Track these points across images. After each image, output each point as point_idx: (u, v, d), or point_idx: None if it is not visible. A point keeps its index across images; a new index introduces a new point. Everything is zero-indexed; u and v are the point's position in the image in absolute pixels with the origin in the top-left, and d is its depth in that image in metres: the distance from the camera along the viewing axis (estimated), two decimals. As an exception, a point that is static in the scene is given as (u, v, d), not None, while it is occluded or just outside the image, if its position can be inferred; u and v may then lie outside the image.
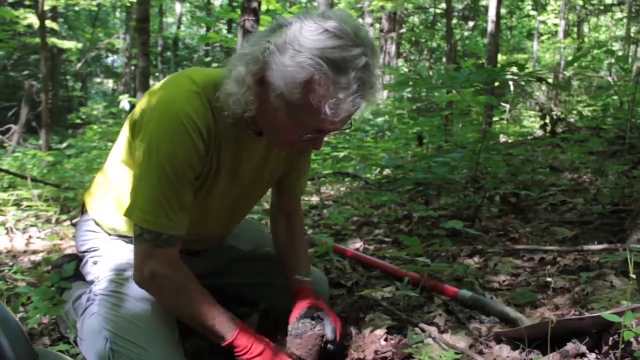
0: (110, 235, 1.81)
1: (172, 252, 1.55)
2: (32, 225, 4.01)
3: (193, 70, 1.59)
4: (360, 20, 13.98)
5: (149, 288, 1.57)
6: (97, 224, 1.83)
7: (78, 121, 16.37)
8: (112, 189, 1.76)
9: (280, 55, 1.36)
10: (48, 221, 4.20)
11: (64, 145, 11.39)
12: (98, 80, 29.61)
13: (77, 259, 1.94)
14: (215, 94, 1.50)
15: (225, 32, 21.12)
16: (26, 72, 20.21)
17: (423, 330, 1.80)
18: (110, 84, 29.35)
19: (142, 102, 1.59)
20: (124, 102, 11.79)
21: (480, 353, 1.63)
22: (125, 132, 1.69)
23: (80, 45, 17.30)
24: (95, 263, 1.81)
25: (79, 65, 22.10)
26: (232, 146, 1.61)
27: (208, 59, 24.75)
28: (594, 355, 1.52)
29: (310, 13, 1.42)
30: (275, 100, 1.41)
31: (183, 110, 1.47)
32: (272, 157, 1.75)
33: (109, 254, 1.78)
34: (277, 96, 1.40)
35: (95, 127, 12.31)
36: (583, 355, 1.52)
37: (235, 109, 1.46)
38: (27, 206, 4.36)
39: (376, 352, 1.65)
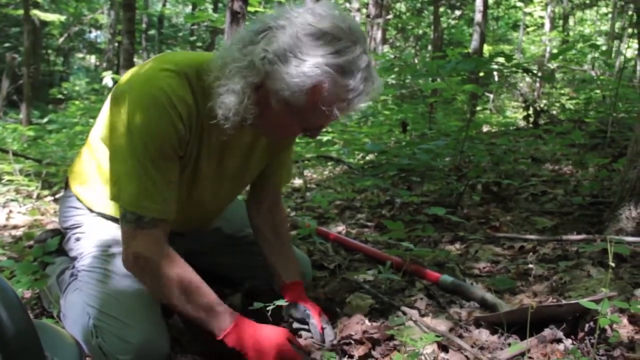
0: (92, 212, 1.80)
1: (156, 233, 1.52)
2: (12, 200, 3.98)
3: (176, 52, 1.59)
4: (347, 5, 13.93)
5: (132, 270, 1.55)
6: (79, 200, 1.82)
7: (59, 96, 16.14)
8: (94, 166, 1.75)
9: (282, 64, 1.34)
10: (29, 196, 4.16)
11: (45, 120, 11.24)
12: (80, 55, 29.22)
13: (61, 234, 1.93)
14: (198, 78, 1.49)
15: (210, 11, 20.89)
16: (7, 45, 19.87)
17: (404, 313, 1.83)
18: (92, 59, 28.98)
19: (124, 79, 1.57)
20: (107, 78, 11.63)
21: (460, 336, 1.66)
22: (106, 109, 1.67)
23: (63, 18, 17.01)
24: (78, 239, 1.80)
25: (61, 39, 21.78)
26: (218, 133, 1.58)
27: (193, 38, 24.52)
28: (569, 341, 1.56)
29: (296, 11, 1.39)
30: (277, 104, 1.41)
31: (160, 88, 1.45)
32: (258, 145, 1.75)
33: (92, 230, 1.76)
34: (278, 101, 1.40)
35: (77, 102, 12.15)
36: (559, 340, 1.56)
37: (235, 120, 1.45)
38: (8, 180, 4.32)
39: (360, 333, 1.68)
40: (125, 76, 1.58)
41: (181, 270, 1.53)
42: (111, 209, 1.74)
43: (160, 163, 1.48)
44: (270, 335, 1.51)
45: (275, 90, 1.38)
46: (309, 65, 1.32)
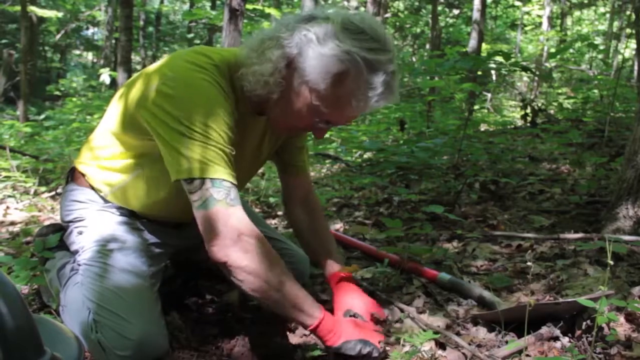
0: (106, 202, 1.78)
1: (243, 210, 1.45)
2: (9, 196, 3.97)
3: (202, 47, 1.58)
4: (345, 3, 13.91)
5: (235, 251, 1.40)
6: (92, 187, 1.79)
7: (57, 93, 16.08)
8: (103, 158, 1.74)
9: (318, 44, 1.41)
10: (26, 192, 4.15)
11: (42, 116, 11.21)
12: (77, 52, 29.17)
13: (62, 230, 1.93)
14: (229, 73, 1.52)
15: (208, 8, 20.87)
16: (4, 41, 19.82)
17: (402, 310, 1.83)
18: (89, 56, 28.92)
19: (144, 80, 1.55)
20: (104, 75, 11.66)
21: (458, 334, 1.66)
22: (117, 105, 1.67)
23: (60, 15, 16.96)
24: (80, 233, 1.80)
25: (58, 36, 21.71)
26: (239, 124, 1.60)
27: (191, 35, 24.50)
28: (567, 339, 1.56)
29: (338, 9, 1.49)
30: (298, 85, 1.46)
31: (209, 75, 1.47)
32: (268, 136, 1.77)
33: (94, 224, 1.76)
34: (301, 82, 1.45)
35: (74, 99, 12.11)
36: (557, 338, 1.56)
37: (260, 90, 1.48)
38: (5, 177, 4.31)
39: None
40: (147, 75, 1.55)
41: (274, 249, 1.49)
42: (121, 198, 1.74)
43: (223, 137, 1.44)
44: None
45: (302, 68, 1.43)
46: (342, 51, 1.39)
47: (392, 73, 1.45)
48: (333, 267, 1.84)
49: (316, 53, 1.41)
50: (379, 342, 1.49)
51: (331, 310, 1.60)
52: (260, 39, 1.50)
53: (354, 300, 1.69)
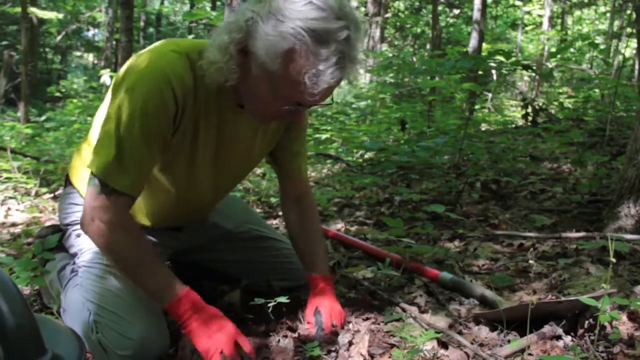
0: None
1: (118, 202, 1.50)
2: (10, 197, 3.97)
3: (179, 39, 1.58)
4: (346, 3, 13.91)
5: (89, 231, 1.52)
6: (81, 196, 1.81)
7: (57, 94, 16.08)
8: None
9: (262, 24, 1.35)
10: (27, 194, 4.15)
11: (43, 118, 11.22)
12: (78, 53, 29.18)
13: (61, 231, 1.93)
14: (199, 62, 1.48)
15: (209, 9, 20.88)
16: (4, 42, 19.83)
17: (404, 310, 1.83)
18: (90, 57, 28.93)
19: (122, 68, 1.57)
20: (105, 76, 11.63)
21: (460, 333, 1.66)
22: (105, 104, 1.67)
23: (61, 16, 16.98)
24: (78, 235, 1.80)
25: (59, 37, 21.74)
26: (215, 120, 1.59)
27: (191, 36, 24.48)
28: (569, 338, 1.56)
29: None
30: (256, 69, 1.41)
31: (160, 67, 1.45)
32: (260, 134, 1.74)
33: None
34: (258, 65, 1.39)
35: (75, 100, 12.12)
36: (559, 337, 1.56)
37: (217, 77, 1.45)
38: (6, 178, 4.31)
39: (360, 329, 1.68)
40: (130, 60, 1.57)
41: (134, 245, 1.54)
42: None
43: (141, 138, 1.45)
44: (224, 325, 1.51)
45: (255, 52, 1.38)
46: (285, 27, 1.32)
47: (347, 40, 1.35)
48: (314, 268, 1.86)
49: (261, 34, 1.35)
50: (220, 353, 1.45)
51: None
52: (219, 27, 1.47)
53: (323, 301, 1.75)
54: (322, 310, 1.71)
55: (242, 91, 1.51)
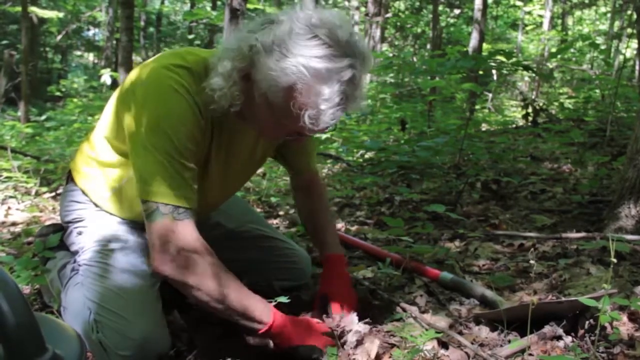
0: (96, 206, 1.79)
1: (192, 225, 1.47)
2: (11, 197, 3.97)
3: (185, 49, 1.58)
4: (346, 4, 13.91)
5: (174, 267, 1.43)
6: (85, 194, 1.81)
7: (58, 94, 16.08)
8: (97, 163, 1.74)
9: (265, 55, 1.33)
10: (27, 193, 4.15)
11: (43, 117, 11.21)
12: (78, 53, 29.18)
13: (62, 230, 1.93)
14: (206, 75, 1.47)
15: (209, 9, 20.88)
16: (5, 42, 19.83)
17: (404, 310, 1.82)
18: (90, 57, 28.93)
19: (132, 76, 1.57)
20: (105, 76, 11.65)
21: (460, 333, 1.66)
22: (111, 106, 1.67)
23: (61, 16, 16.98)
24: (79, 233, 1.80)
25: (59, 37, 21.73)
26: (224, 130, 1.60)
27: (191, 36, 24.49)
28: (569, 338, 1.56)
29: (304, 12, 1.36)
30: (259, 98, 1.40)
31: (176, 81, 1.45)
32: (261, 141, 1.76)
33: (94, 224, 1.76)
34: (260, 95, 1.39)
35: (75, 100, 12.12)
36: (559, 337, 1.56)
37: (221, 103, 1.44)
38: (6, 177, 4.31)
39: (360, 329, 1.67)
40: (131, 76, 1.57)
41: (219, 261, 1.50)
42: (113, 206, 1.74)
43: (183, 152, 1.45)
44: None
45: (258, 81, 1.37)
46: (288, 63, 1.29)
47: (350, 81, 1.32)
48: (325, 248, 1.92)
49: (264, 65, 1.33)
50: (325, 347, 1.50)
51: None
52: (224, 49, 1.45)
53: (332, 287, 1.79)
54: (331, 298, 1.74)
55: (246, 112, 1.51)
